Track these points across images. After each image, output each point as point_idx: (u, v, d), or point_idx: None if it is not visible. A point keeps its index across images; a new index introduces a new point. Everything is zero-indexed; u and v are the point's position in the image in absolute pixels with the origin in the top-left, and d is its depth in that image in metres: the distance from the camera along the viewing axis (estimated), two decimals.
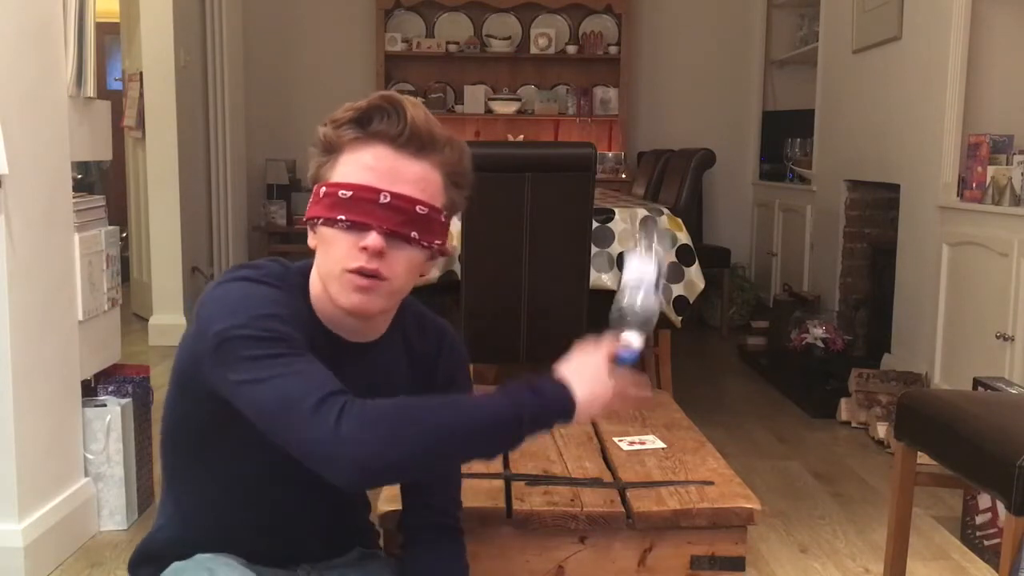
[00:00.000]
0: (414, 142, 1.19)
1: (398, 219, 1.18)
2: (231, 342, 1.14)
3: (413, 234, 1.20)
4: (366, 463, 1.08)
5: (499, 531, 1.58)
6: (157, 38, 4.79)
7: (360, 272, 1.18)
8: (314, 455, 1.09)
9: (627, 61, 6.10)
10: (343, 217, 1.18)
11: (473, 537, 1.44)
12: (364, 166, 1.19)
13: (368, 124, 1.19)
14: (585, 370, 1.20)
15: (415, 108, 1.20)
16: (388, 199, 1.18)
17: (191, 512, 1.34)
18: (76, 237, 2.46)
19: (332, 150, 1.22)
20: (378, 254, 1.18)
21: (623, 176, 5.97)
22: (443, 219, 1.24)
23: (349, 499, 1.42)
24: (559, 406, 1.17)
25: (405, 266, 1.21)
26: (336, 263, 1.20)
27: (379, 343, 1.31)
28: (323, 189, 1.21)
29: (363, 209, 1.18)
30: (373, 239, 1.17)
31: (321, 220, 1.20)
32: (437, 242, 1.23)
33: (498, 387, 1.20)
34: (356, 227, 1.18)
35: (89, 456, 2.53)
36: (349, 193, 1.18)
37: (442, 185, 1.23)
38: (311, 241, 1.25)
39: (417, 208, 1.20)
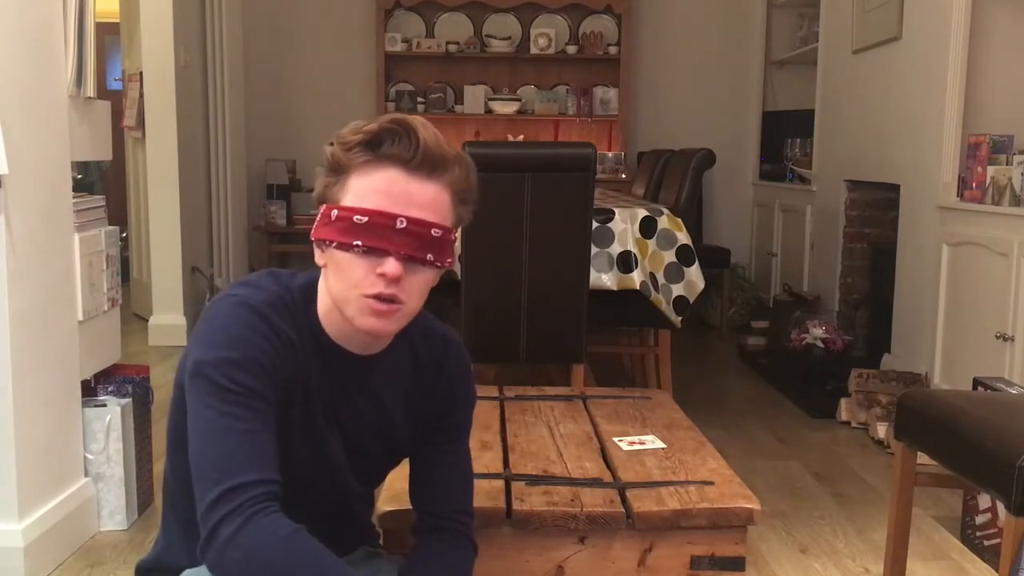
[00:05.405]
0: (426, 164, 1.19)
1: (414, 244, 1.19)
2: (199, 378, 1.18)
3: (429, 256, 1.21)
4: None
5: (499, 531, 1.58)
6: (157, 38, 4.79)
7: (378, 297, 1.19)
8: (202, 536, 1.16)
9: (627, 61, 6.10)
10: (359, 243, 1.18)
11: None
12: (377, 190, 1.19)
13: (379, 147, 1.19)
14: None
15: (425, 129, 1.20)
16: (404, 224, 1.18)
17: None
18: (76, 237, 2.46)
19: (341, 171, 1.21)
20: (395, 280, 1.18)
21: (623, 176, 5.97)
22: (453, 237, 1.25)
23: (355, 499, 1.42)
24: None
25: (420, 287, 1.23)
26: (353, 288, 1.20)
27: (384, 354, 1.32)
28: (335, 212, 1.20)
29: (380, 235, 1.18)
30: (392, 266, 1.18)
31: (335, 244, 1.20)
32: (448, 260, 1.24)
33: None
34: (373, 252, 1.18)
35: (89, 456, 2.53)
36: (365, 219, 1.18)
37: (451, 204, 1.24)
38: (319, 259, 1.25)
39: (432, 231, 1.20)
